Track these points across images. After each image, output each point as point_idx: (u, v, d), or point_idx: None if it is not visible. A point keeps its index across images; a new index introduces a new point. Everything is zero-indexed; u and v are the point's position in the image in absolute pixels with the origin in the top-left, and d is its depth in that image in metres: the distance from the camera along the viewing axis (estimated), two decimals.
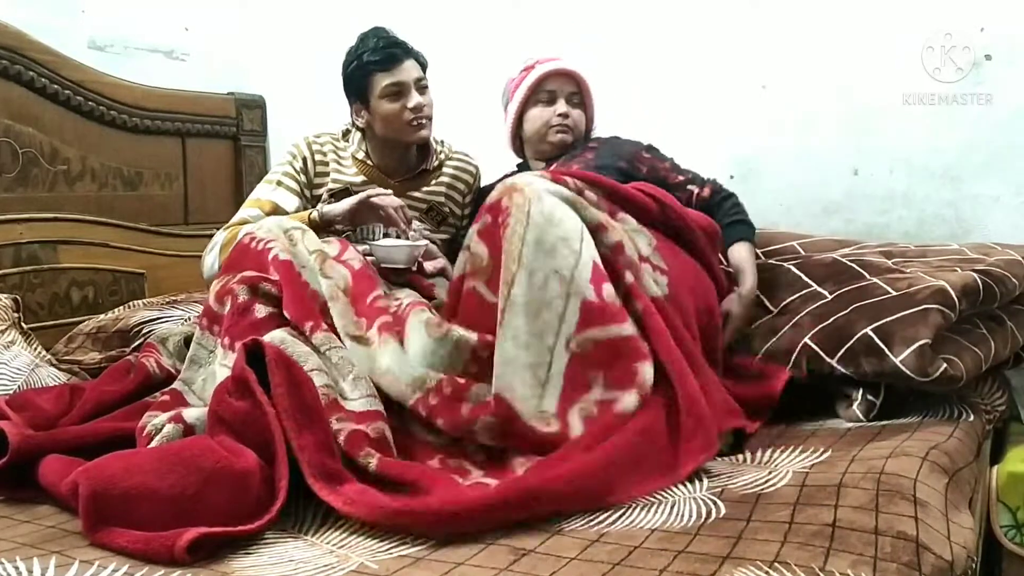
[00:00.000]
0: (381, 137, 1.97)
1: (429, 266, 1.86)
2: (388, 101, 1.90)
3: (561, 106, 1.99)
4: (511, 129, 2.07)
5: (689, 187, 1.90)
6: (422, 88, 1.94)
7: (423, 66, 1.97)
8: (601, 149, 1.97)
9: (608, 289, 1.37)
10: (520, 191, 1.41)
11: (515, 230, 1.37)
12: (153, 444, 1.29)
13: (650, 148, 1.97)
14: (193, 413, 1.36)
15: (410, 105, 1.90)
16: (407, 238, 1.83)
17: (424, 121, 1.93)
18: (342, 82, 1.99)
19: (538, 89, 2.00)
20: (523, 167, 2.08)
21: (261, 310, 1.48)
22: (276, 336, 1.38)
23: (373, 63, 1.90)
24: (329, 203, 1.93)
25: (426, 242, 1.87)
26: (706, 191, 1.90)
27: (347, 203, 1.83)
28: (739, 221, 1.86)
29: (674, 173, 1.93)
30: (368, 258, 1.70)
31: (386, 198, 1.83)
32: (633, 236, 1.51)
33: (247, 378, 1.23)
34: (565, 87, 2.00)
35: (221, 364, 1.45)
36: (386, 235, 1.89)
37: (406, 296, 1.63)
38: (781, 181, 2.30)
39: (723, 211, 1.87)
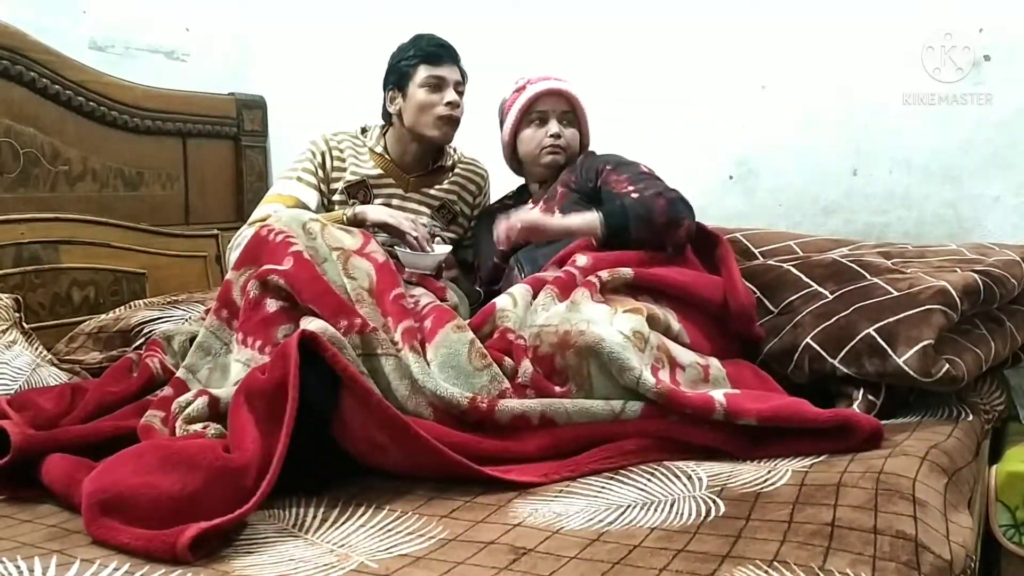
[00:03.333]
0: (406, 127, 2.01)
1: (445, 273, 1.90)
2: (427, 91, 1.96)
3: (553, 126, 1.99)
4: (507, 150, 2.09)
5: (632, 194, 1.80)
6: (460, 92, 2.00)
7: (463, 77, 2.03)
8: (579, 170, 1.96)
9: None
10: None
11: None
12: (180, 420, 1.30)
13: (617, 164, 1.91)
14: (221, 392, 1.38)
15: (446, 100, 1.96)
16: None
17: (454, 120, 1.98)
18: (385, 71, 2.03)
19: (530, 110, 2.00)
20: (523, 189, 2.12)
21: (272, 304, 1.48)
22: (319, 327, 1.37)
23: (421, 55, 1.97)
24: (343, 195, 2.00)
25: (449, 249, 1.93)
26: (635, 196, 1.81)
27: (382, 215, 1.89)
28: (619, 202, 1.78)
29: (624, 184, 1.84)
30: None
31: (418, 230, 1.89)
32: (664, 313, 1.60)
33: (289, 353, 1.23)
34: (557, 107, 2.00)
35: (235, 360, 1.46)
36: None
37: (421, 294, 1.65)
38: (780, 181, 2.30)
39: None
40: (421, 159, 2.07)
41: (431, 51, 1.98)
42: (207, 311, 1.78)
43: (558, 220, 1.79)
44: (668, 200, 1.75)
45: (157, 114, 2.58)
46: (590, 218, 1.77)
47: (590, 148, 2.07)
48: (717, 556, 0.99)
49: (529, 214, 1.82)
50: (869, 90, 2.17)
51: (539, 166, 2.02)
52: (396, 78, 2.00)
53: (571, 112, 2.01)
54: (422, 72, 1.96)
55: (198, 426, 1.32)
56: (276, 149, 2.96)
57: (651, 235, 1.74)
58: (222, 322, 1.56)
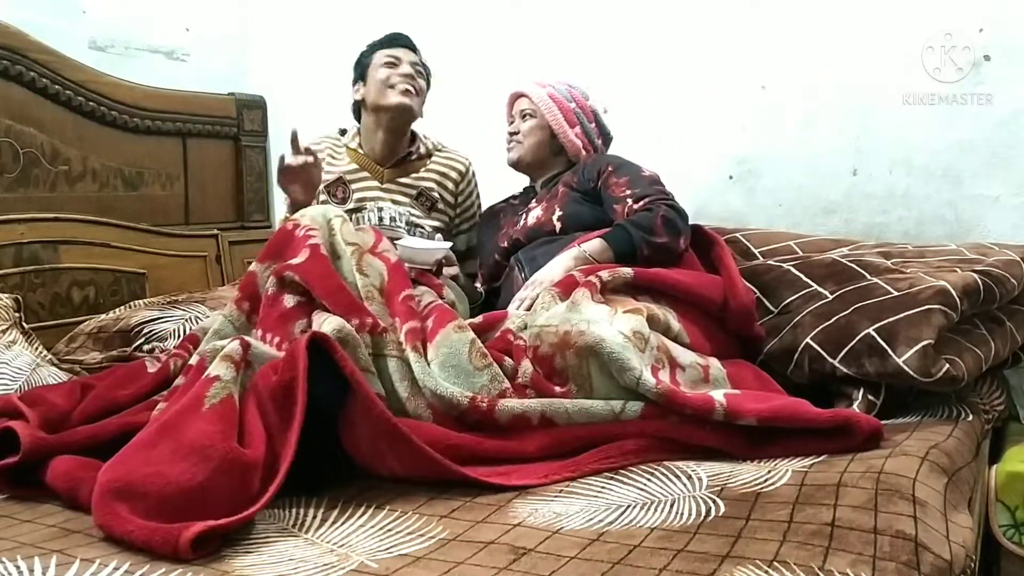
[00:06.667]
0: (370, 109, 2.08)
1: (445, 271, 1.91)
2: (384, 68, 2.06)
3: (512, 125, 2.09)
4: None
5: (627, 200, 1.85)
6: (418, 72, 2.08)
7: (426, 72, 2.12)
8: (581, 170, 1.99)
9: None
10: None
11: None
12: (216, 362, 1.27)
13: (619, 166, 1.94)
14: (258, 345, 1.37)
15: (401, 71, 2.05)
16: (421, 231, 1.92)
17: (409, 88, 2.04)
18: (353, 70, 2.13)
19: (509, 115, 2.13)
20: (529, 190, 2.15)
21: (289, 300, 1.48)
22: (336, 324, 1.36)
23: (379, 44, 2.10)
24: (324, 193, 2.06)
25: (448, 245, 1.94)
26: (636, 204, 1.82)
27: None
28: (621, 226, 1.79)
29: (622, 188, 1.87)
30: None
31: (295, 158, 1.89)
32: (664, 313, 1.60)
33: (298, 355, 1.23)
34: (519, 106, 2.10)
35: None
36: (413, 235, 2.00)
37: (423, 293, 1.66)
38: (781, 181, 2.30)
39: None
40: (392, 148, 2.12)
41: (386, 38, 2.11)
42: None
43: (564, 259, 1.76)
44: (664, 218, 1.77)
45: (157, 114, 2.58)
46: (596, 247, 1.77)
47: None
48: (717, 556, 0.99)
49: (537, 275, 1.78)
50: (869, 90, 2.17)
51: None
52: (359, 72, 2.12)
53: (528, 109, 2.08)
54: (379, 55, 2.08)
55: (222, 369, 1.26)
56: (276, 149, 2.95)
57: (654, 253, 1.76)
58: (243, 313, 1.56)
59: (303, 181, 1.88)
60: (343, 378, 1.26)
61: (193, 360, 1.41)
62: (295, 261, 1.51)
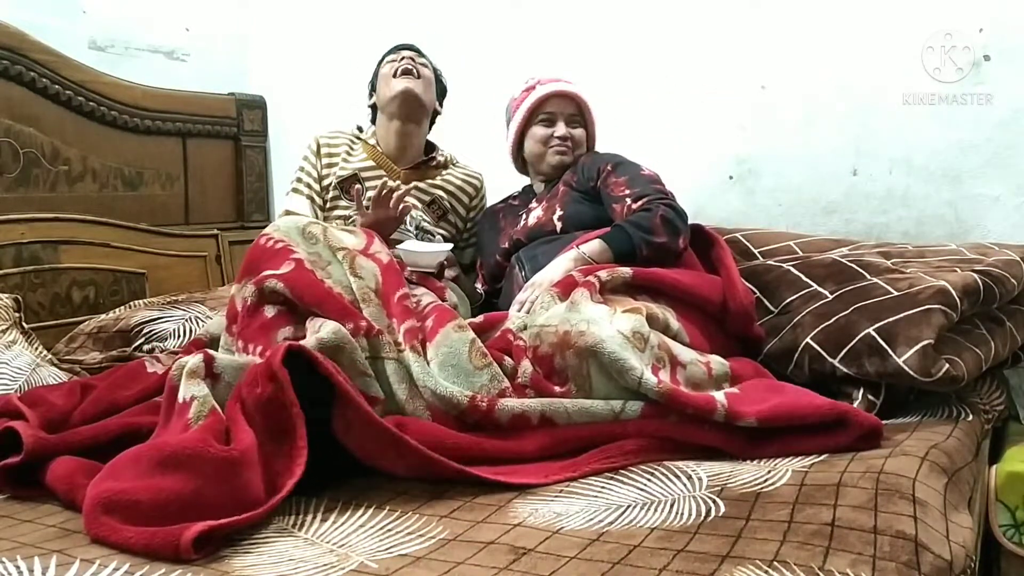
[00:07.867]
0: (382, 110, 2.10)
1: (446, 272, 1.91)
2: (387, 66, 2.09)
3: (560, 128, 2.01)
4: (512, 148, 2.10)
5: (627, 200, 1.84)
6: (420, 67, 2.10)
7: (441, 84, 2.15)
8: (580, 169, 1.98)
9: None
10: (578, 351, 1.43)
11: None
12: (184, 383, 1.27)
13: (617, 164, 1.93)
14: (223, 357, 1.35)
15: (401, 64, 2.08)
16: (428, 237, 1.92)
17: (408, 69, 2.07)
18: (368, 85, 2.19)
19: (538, 111, 2.02)
20: (528, 189, 2.13)
21: (270, 310, 1.46)
22: (332, 329, 1.35)
23: (387, 54, 2.13)
24: (337, 190, 2.08)
25: (450, 247, 1.94)
26: (635, 204, 1.82)
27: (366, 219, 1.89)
28: (620, 226, 1.79)
29: (622, 187, 1.87)
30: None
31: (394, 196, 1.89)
32: (663, 312, 1.59)
33: (276, 368, 1.22)
34: (565, 109, 2.02)
35: None
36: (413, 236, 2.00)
37: (423, 294, 1.65)
38: (780, 181, 2.30)
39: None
40: (408, 149, 2.12)
41: (393, 48, 2.14)
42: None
43: (562, 261, 1.76)
44: (663, 218, 1.77)
45: (157, 114, 2.58)
46: (595, 248, 1.77)
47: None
48: (717, 556, 0.99)
49: (536, 277, 1.77)
50: (869, 90, 2.17)
51: (545, 164, 2.03)
52: (372, 84, 2.16)
53: (579, 115, 2.04)
54: (386, 62, 2.11)
55: (195, 389, 1.25)
56: (276, 149, 2.96)
57: (653, 253, 1.76)
58: (228, 335, 1.53)
59: (380, 225, 1.84)
60: (325, 378, 1.25)
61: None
62: (279, 271, 1.49)
